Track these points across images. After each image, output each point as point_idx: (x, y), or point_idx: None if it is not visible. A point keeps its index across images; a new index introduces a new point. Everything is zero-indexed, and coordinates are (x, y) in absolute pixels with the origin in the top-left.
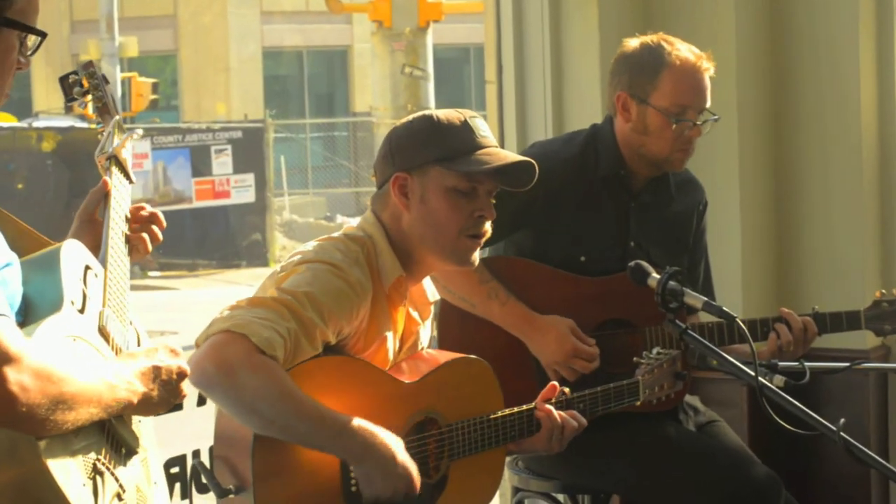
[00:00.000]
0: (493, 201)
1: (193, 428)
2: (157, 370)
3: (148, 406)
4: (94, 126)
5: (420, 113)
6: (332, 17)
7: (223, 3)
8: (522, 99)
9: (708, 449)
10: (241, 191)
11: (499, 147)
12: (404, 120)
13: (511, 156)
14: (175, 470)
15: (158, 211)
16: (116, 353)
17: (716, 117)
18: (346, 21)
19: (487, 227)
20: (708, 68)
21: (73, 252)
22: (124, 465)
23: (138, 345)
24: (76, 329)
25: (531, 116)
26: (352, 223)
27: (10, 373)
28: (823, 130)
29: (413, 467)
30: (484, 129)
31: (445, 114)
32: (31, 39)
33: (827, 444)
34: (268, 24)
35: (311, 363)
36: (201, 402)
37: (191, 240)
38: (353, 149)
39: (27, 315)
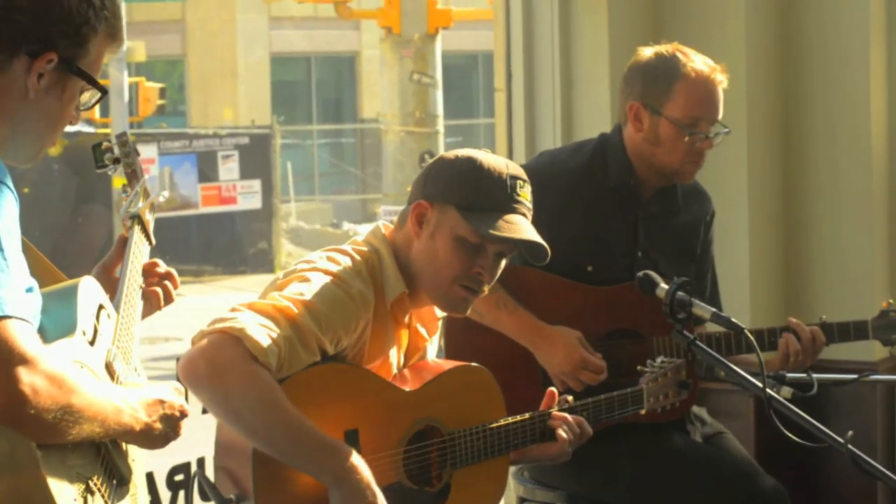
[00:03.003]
0: (504, 262)
1: (198, 436)
2: (161, 403)
3: (148, 437)
4: (100, 131)
5: (470, 151)
6: (340, 23)
7: (231, 9)
8: (531, 107)
9: (715, 460)
10: (248, 197)
11: (527, 216)
12: (456, 151)
13: (530, 234)
14: (179, 477)
15: (174, 270)
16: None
17: (727, 130)
18: (354, 27)
19: (485, 288)
20: (722, 81)
21: (89, 288)
22: (116, 494)
23: None
24: (84, 357)
25: (540, 124)
26: (358, 230)
27: (24, 374)
28: (832, 140)
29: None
30: (521, 194)
31: (492, 162)
32: (86, 96)
33: (834, 456)
34: (276, 30)
35: (311, 371)
36: (206, 409)
37: (197, 246)
38: (360, 155)
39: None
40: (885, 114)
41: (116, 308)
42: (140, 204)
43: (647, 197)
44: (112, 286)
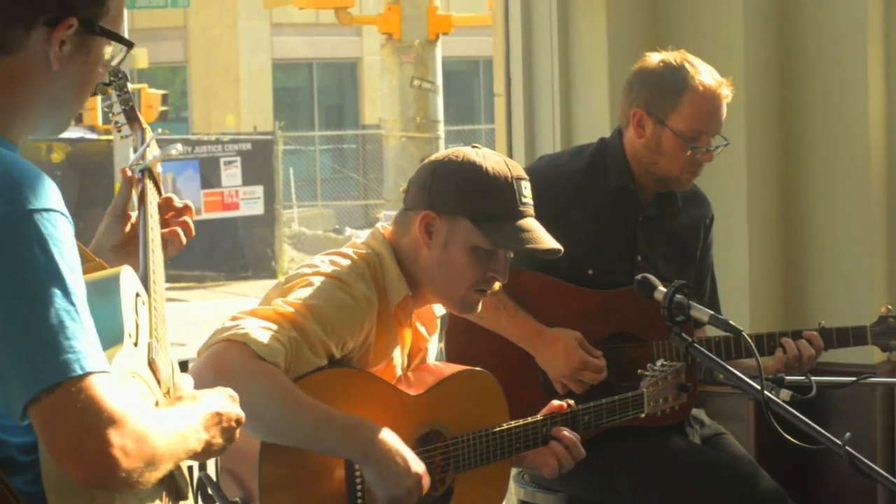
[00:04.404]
0: (511, 255)
1: None
2: (219, 416)
3: (208, 453)
4: (103, 138)
5: (471, 155)
6: (342, 29)
7: (233, 15)
8: (531, 112)
9: (714, 462)
10: (250, 203)
11: (534, 217)
12: (455, 155)
13: (542, 238)
14: None
15: (190, 203)
16: (161, 387)
17: (726, 143)
18: (355, 33)
19: (497, 285)
20: (727, 95)
21: (128, 280)
22: None
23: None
24: (134, 364)
25: (539, 129)
26: (360, 235)
27: (115, 436)
28: (831, 144)
29: (421, 466)
30: (526, 194)
31: (494, 166)
32: (108, 51)
33: (833, 459)
34: (278, 36)
35: (316, 375)
36: None
37: (199, 251)
38: (362, 161)
39: None
40: (883, 119)
41: (144, 282)
42: (151, 156)
43: (646, 201)
44: (124, 222)
